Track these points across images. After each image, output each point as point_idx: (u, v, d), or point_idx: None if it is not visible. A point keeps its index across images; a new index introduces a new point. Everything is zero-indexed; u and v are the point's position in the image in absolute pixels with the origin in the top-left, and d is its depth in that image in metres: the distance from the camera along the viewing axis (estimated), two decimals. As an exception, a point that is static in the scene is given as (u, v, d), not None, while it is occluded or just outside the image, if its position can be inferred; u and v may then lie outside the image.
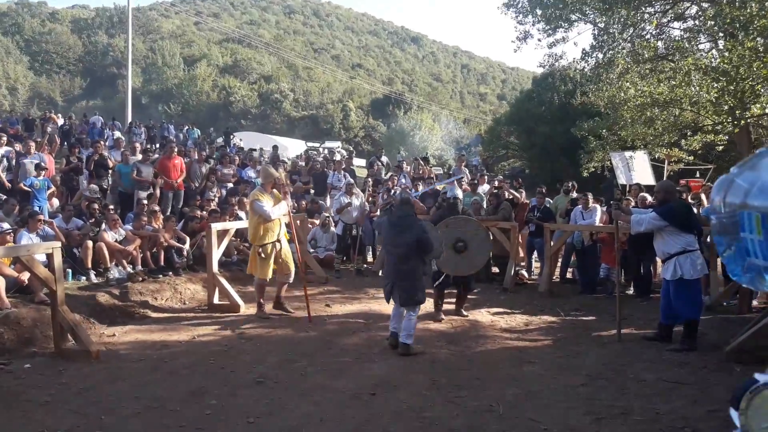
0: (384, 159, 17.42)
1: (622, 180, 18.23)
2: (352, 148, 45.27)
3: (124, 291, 8.22)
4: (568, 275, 10.88)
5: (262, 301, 8.02)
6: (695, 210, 8.31)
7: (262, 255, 7.73)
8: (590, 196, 10.33)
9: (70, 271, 8.36)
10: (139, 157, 12.25)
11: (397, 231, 6.35)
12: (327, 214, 12.06)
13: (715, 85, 13.00)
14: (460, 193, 8.64)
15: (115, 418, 4.56)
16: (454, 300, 8.38)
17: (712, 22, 13.12)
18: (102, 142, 13.96)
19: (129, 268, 8.79)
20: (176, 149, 12.72)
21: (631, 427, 4.37)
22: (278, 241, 7.87)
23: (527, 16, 18.22)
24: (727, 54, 12.88)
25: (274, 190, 7.89)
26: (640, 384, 5.31)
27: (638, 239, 8.64)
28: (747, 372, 5.45)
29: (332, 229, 11.85)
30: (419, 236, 6.23)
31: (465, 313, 8.23)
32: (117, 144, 14.96)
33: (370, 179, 14.27)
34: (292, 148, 36.35)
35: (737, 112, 13.83)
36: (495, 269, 11.11)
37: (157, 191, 11.48)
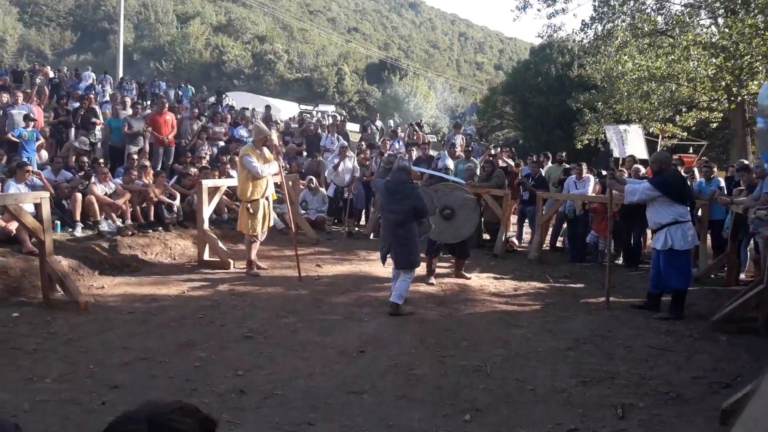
0: (378, 123, 17.26)
1: (615, 153, 18.21)
2: (345, 113, 44.88)
3: (113, 244, 8.16)
4: (558, 244, 10.94)
5: (252, 258, 8.00)
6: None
7: (251, 211, 7.71)
8: (584, 166, 10.31)
9: (58, 223, 8.27)
10: (130, 111, 12.06)
11: (394, 198, 6.46)
12: (312, 177, 11.94)
13: (714, 60, 12.93)
14: (450, 163, 8.63)
15: (104, 367, 4.56)
16: (446, 265, 8.42)
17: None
18: (92, 95, 13.72)
19: (119, 222, 8.72)
20: (167, 105, 12.53)
21: (617, 390, 4.42)
22: (265, 198, 7.84)
23: (528, -15, 18.07)
24: (727, 30, 12.79)
25: (265, 149, 7.81)
26: (627, 350, 5.36)
27: (630, 210, 8.70)
28: (732, 341, 5.55)
29: (321, 190, 11.79)
30: (416, 203, 6.39)
31: (467, 275, 8.28)
32: (113, 99, 14.71)
33: (363, 143, 14.16)
34: (285, 110, 35.93)
35: (734, 88, 13.79)
36: (486, 236, 11.13)
37: (146, 144, 11.33)
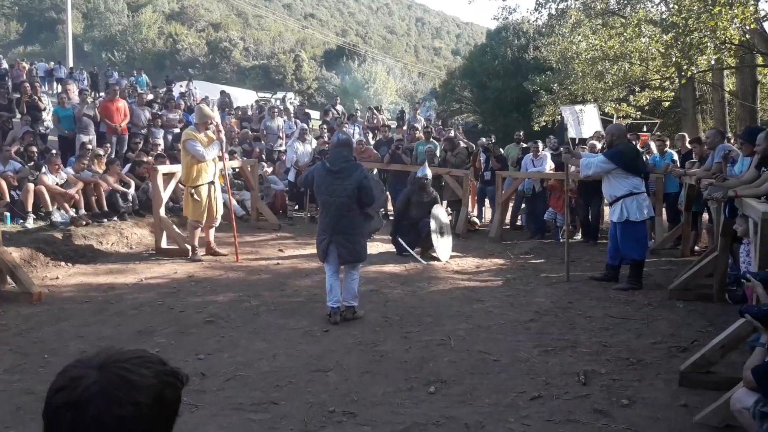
0: (339, 108, 17.13)
1: (572, 133, 18.47)
2: (304, 98, 44.41)
3: (67, 235, 7.91)
4: (518, 222, 11.06)
5: (195, 243, 7.88)
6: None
7: (195, 197, 7.57)
8: (540, 145, 10.41)
9: (8, 215, 8.01)
10: (77, 100, 11.72)
11: (334, 178, 5.36)
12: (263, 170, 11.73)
13: (664, 37, 13.16)
14: (429, 173, 8.54)
15: (59, 356, 4.41)
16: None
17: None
18: (34, 85, 13.28)
19: (72, 212, 8.47)
20: (119, 92, 12.21)
21: (579, 357, 4.49)
22: (212, 183, 7.72)
23: (482, -34, 18.16)
24: (676, 6, 13.02)
25: (208, 131, 7.68)
26: (587, 319, 5.45)
27: (586, 186, 8.83)
28: (689, 308, 5.69)
29: (272, 177, 11.63)
30: (360, 182, 5.33)
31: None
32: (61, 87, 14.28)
33: (325, 126, 14.01)
34: (242, 98, 35.36)
35: (684, 65, 14.02)
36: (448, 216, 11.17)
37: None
